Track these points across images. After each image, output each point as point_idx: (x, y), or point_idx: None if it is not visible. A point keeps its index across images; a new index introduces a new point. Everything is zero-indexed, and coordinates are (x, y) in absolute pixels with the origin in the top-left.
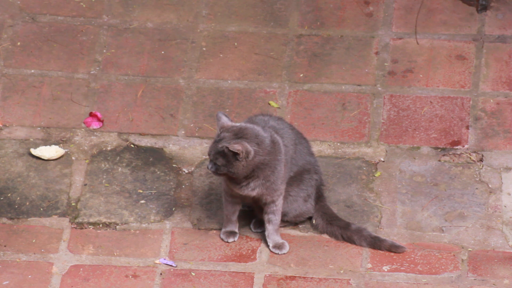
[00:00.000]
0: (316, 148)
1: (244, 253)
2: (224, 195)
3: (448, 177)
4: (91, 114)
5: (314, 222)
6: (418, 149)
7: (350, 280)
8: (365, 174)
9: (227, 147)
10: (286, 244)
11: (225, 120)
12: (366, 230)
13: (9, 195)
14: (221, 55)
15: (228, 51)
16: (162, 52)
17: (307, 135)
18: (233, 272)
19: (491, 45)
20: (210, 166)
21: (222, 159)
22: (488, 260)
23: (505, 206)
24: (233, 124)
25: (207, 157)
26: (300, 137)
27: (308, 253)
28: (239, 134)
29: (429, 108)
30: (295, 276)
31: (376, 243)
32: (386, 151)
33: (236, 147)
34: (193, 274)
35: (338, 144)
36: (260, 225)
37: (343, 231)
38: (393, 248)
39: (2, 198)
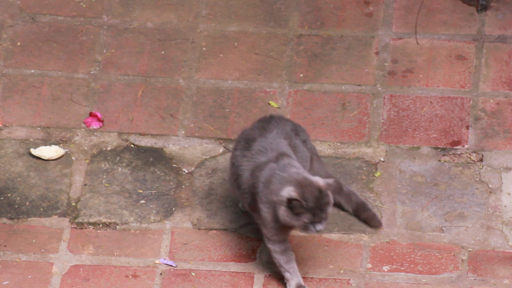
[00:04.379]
0: (316, 148)
1: (244, 253)
2: (276, 245)
3: (448, 177)
4: (91, 114)
5: None
6: (418, 149)
7: (350, 280)
8: (365, 174)
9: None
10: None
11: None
12: (356, 195)
13: (9, 195)
14: (221, 55)
15: (228, 51)
16: (162, 52)
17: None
18: (233, 272)
19: (491, 45)
20: (322, 227)
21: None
22: (488, 260)
23: (505, 206)
24: (325, 180)
25: (207, 157)
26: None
27: (308, 253)
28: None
29: (429, 108)
30: None
31: (358, 210)
32: (386, 151)
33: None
34: (193, 274)
35: (338, 144)
36: None
37: (335, 196)
38: (369, 220)
39: (2, 198)
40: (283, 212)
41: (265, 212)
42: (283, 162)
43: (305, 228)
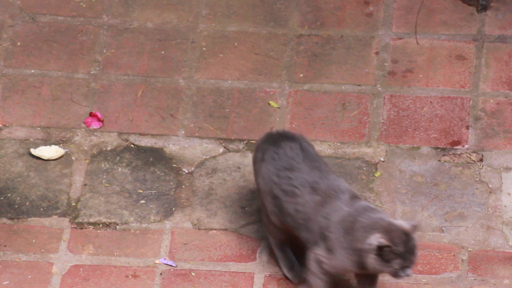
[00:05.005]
0: (316, 148)
1: (244, 253)
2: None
3: (448, 177)
4: (91, 114)
5: None
6: (418, 149)
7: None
8: (365, 174)
9: None
10: None
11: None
12: None
13: (9, 195)
14: (221, 55)
15: (228, 51)
16: (162, 52)
17: (307, 135)
18: (233, 272)
19: (491, 45)
20: (412, 271)
21: None
22: (488, 260)
23: (505, 206)
24: (410, 223)
25: (207, 157)
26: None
27: None
28: None
29: (429, 108)
30: None
31: None
32: (386, 151)
33: None
34: (193, 274)
35: (338, 144)
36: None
37: None
38: None
39: (2, 198)
40: (372, 260)
41: (343, 257)
42: (359, 205)
43: (395, 274)
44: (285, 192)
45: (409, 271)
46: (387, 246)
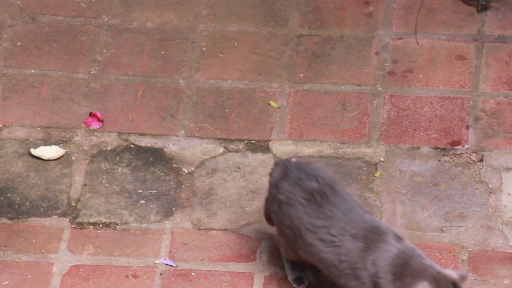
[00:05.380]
0: (316, 148)
1: (244, 253)
2: None
3: (448, 177)
4: (91, 114)
5: None
6: (418, 149)
7: None
8: (365, 174)
9: None
10: None
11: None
12: None
13: (9, 195)
14: (221, 55)
15: (228, 51)
16: (162, 52)
17: (307, 135)
18: (233, 272)
19: (491, 45)
20: None
21: None
22: (488, 260)
23: (505, 206)
24: (458, 273)
25: (207, 157)
26: None
27: None
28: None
29: (429, 108)
30: None
31: None
32: (386, 151)
33: None
34: (193, 274)
35: (338, 144)
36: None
37: None
38: None
39: (2, 198)
40: None
41: None
42: (405, 248)
43: None
44: (324, 242)
45: None
46: None
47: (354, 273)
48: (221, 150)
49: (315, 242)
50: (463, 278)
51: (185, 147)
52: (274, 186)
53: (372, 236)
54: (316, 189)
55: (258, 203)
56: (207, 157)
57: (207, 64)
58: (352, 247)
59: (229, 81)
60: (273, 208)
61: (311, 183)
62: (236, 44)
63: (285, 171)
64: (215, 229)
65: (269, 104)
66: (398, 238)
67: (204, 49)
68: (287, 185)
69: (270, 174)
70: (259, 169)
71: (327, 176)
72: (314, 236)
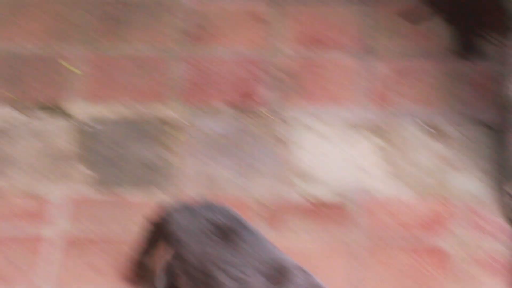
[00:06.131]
0: (116, 111)
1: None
2: None
3: (248, 135)
4: None
5: None
6: (218, 110)
7: None
8: (167, 136)
9: None
10: None
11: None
12: None
13: None
14: (15, 19)
15: (24, 15)
16: None
17: (107, 100)
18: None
19: (291, 7)
20: None
21: None
22: (285, 212)
23: (300, 161)
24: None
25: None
26: None
27: None
28: None
29: (228, 68)
30: None
31: None
32: (187, 113)
33: None
34: None
35: (140, 107)
36: None
37: None
38: None
39: None
40: None
41: None
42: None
43: None
44: (235, 280)
45: None
46: None
47: None
48: (18, 115)
49: (225, 281)
50: None
51: None
52: (180, 230)
53: (281, 277)
54: (227, 225)
55: (57, 167)
56: (3, 123)
57: (1, 28)
58: (259, 287)
59: (26, 46)
60: (180, 253)
61: (220, 220)
62: (33, 8)
63: (190, 212)
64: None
65: (68, 69)
66: (307, 278)
67: None
68: (187, 223)
69: (166, 220)
70: (57, 133)
71: (235, 213)
72: (224, 274)
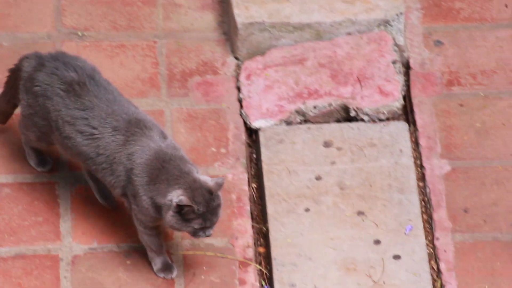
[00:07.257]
0: None
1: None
2: (148, 230)
3: None
4: None
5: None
6: None
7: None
8: None
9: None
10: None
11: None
12: None
13: None
14: None
15: None
16: None
17: None
18: None
19: None
20: (212, 231)
21: None
22: None
23: None
24: (214, 180)
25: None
26: None
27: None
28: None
29: None
30: None
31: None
32: None
33: None
34: None
35: None
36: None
37: None
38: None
39: None
40: (170, 218)
41: (147, 204)
42: (168, 147)
43: (194, 234)
44: (82, 134)
45: (209, 231)
46: (188, 205)
47: (111, 167)
48: None
49: (73, 135)
50: (219, 185)
51: None
52: (28, 79)
53: (134, 129)
54: (75, 79)
55: None
56: None
57: None
58: (111, 140)
59: None
60: (27, 102)
61: (69, 73)
62: None
63: (40, 62)
64: None
65: None
66: (163, 136)
67: None
68: (44, 76)
69: (19, 67)
70: None
71: (86, 66)
72: (73, 128)
